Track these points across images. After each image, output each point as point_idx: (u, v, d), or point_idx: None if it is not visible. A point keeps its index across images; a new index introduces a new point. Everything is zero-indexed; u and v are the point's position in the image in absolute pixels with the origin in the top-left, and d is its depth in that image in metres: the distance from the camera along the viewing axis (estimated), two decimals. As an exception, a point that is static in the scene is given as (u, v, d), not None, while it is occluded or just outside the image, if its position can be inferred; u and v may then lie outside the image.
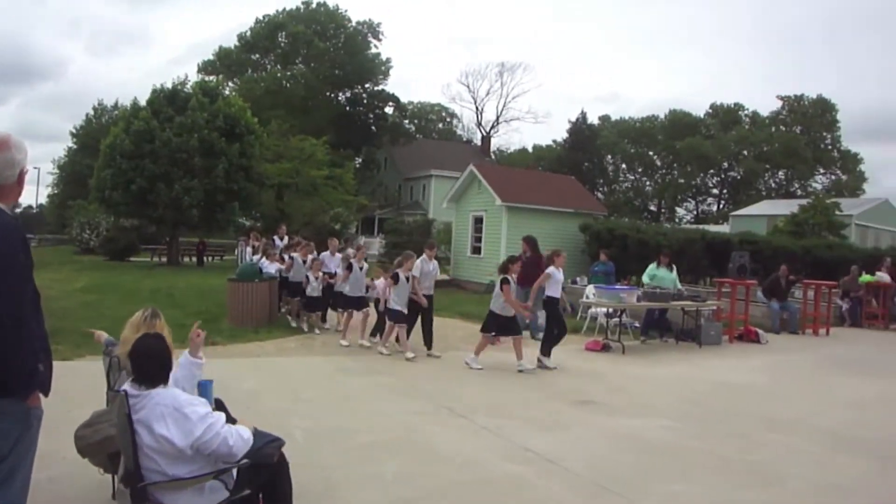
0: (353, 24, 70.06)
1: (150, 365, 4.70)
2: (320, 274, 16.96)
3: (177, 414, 4.58)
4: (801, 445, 9.23)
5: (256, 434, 5.19)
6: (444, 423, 9.28)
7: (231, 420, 5.27)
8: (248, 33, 68.92)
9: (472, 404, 10.38)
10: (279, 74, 67.50)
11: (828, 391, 12.90)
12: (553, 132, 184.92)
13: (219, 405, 5.88)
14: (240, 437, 4.78)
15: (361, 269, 16.06)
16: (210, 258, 43.46)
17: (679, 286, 19.15)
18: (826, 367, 15.55)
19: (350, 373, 12.46)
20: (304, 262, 17.79)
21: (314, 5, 69.22)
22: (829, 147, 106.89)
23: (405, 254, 14.99)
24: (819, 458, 8.65)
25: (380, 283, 15.52)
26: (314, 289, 16.72)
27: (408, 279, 14.37)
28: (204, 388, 5.72)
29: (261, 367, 12.60)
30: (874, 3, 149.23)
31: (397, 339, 14.75)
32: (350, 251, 17.71)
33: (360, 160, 72.88)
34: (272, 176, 42.79)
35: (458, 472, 7.37)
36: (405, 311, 14.42)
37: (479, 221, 29.89)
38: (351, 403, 10.14)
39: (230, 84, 64.90)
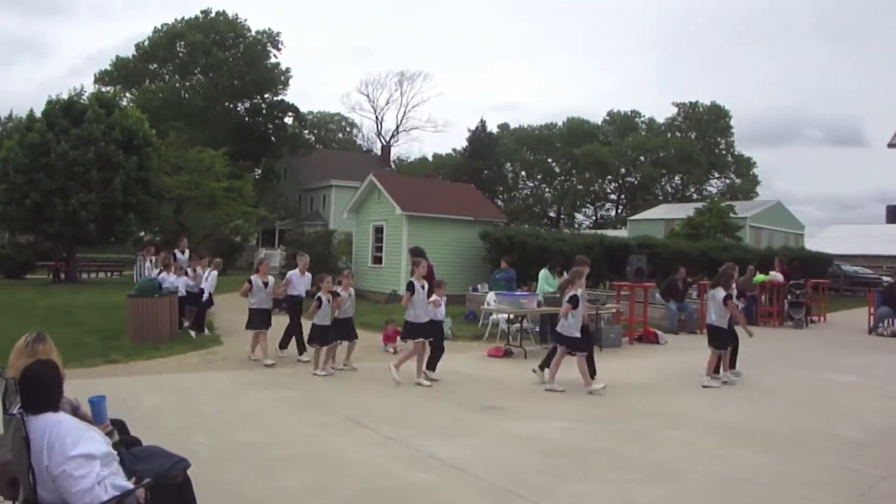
0: (253, 33, 69.13)
1: (37, 392, 4.59)
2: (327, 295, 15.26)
3: (57, 445, 4.43)
4: (700, 440, 9.50)
5: (161, 454, 5.15)
6: (349, 434, 9.27)
7: (133, 441, 5.22)
8: (146, 42, 67.39)
9: (376, 414, 10.39)
10: (178, 85, 66.36)
11: (725, 387, 13.16)
12: (453, 141, 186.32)
13: (119, 425, 5.79)
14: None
15: (350, 296, 15.03)
16: (109, 274, 42.81)
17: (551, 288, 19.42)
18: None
19: (253, 387, 12.36)
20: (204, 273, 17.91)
21: (213, 14, 68.04)
22: (724, 152, 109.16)
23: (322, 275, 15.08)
24: (718, 452, 8.90)
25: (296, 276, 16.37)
26: (325, 316, 14.14)
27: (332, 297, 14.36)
28: (96, 406, 5.56)
29: (162, 384, 12.38)
30: (764, 14, 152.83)
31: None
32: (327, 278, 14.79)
33: (260, 171, 72.26)
34: (171, 189, 42.29)
35: (365, 482, 7.37)
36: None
37: (379, 231, 29.93)
38: (255, 418, 10.07)
39: (128, 95, 63.71)
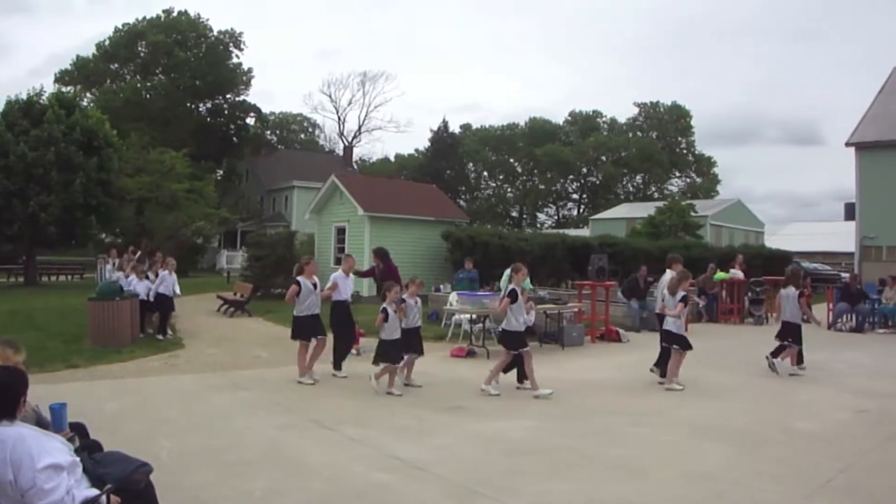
0: (215, 33, 68.71)
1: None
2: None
3: (25, 458, 4.33)
4: (663, 437, 9.59)
5: (123, 459, 5.13)
6: (312, 436, 9.27)
7: (93, 444, 5.20)
8: (108, 42, 66.65)
9: (339, 416, 10.39)
10: (139, 85, 65.76)
11: (687, 384, 13.25)
12: (415, 141, 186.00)
13: (80, 429, 5.76)
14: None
15: (416, 303, 13.58)
16: (69, 277, 42.50)
17: (531, 287, 19.51)
18: (685, 361, 16.02)
19: (215, 390, 12.31)
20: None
21: (175, 14, 67.46)
22: (684, 151, 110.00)
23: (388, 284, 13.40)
24: (681, 448, 9.02)
25: None
26: (393, 329, 12.59)
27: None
28: (57, 413, 5.50)
29: (124, 388, 12.31)
30: (723, 14, 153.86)
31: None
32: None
33: (222, 172, 71.91)
34: (132, 190, 42.06)
35: (328, 484, 7.37)
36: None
37: (341, 232, 29.90)
38: (217, 421, 10.02)
39: (88, 95, 63.16)
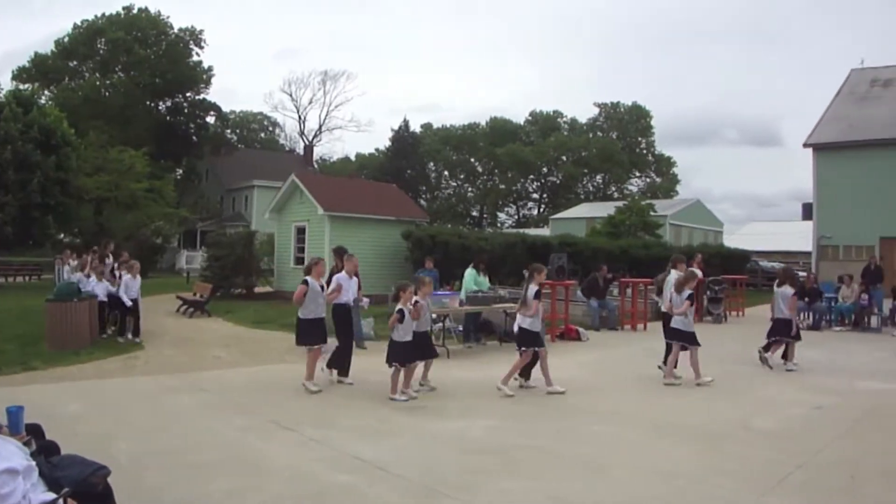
0: (175, 31, 67.65)
1: None
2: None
3: None
4: (623, 435, 9.66)
5: (80, 462, 5.10)
6: (272, 437, 9.24)
7: (50, 445, 5.17)
8: (66, 39, 65.57)
9: (299, 416, 10.36)
10: (98, 83, 64.88)
11: (647, 383, 13.35)
12: (376, 140, 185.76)
13: (35, 430, 5.72)
14: None
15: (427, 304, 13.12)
16: (27, 278, 42.12)
17: (489, 286, 19.58)
18: (644, 359, 16.08)
19: (174, 391, 12.19)
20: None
21: (135, 11, 66.40)
22: (644, 151, 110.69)
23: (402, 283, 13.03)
24: (641, 446, 9.10)
25: None
26: (407, 331, 12.12)
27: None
28: (13, 417, 5.45)
29: (83, 390, 12.19)
30: (683, 16, 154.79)
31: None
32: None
33: (181, 172, 71.40)
34: (90, 190, 41.63)
35: (288, 485, 7.35)
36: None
37: (301, 232, 29.79)
38: (177, 423, 9.95)
39: (46, 93, 62.29)
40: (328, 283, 13.70)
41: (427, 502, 7.01)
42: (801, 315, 23.95)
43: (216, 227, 56.77)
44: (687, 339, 13.68)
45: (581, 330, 20.24)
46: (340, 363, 13.45)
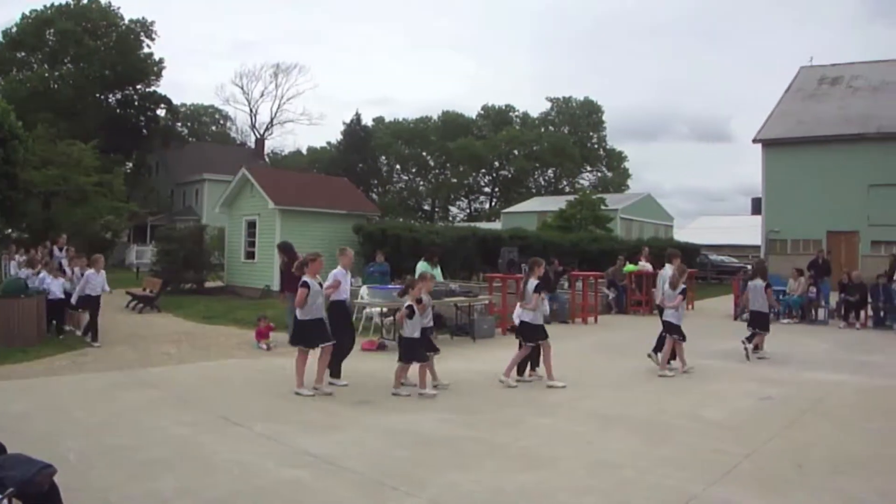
0: (126, 22, 66.53)
1: None
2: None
3: None
4: (572, 427, 9.73)
5: (26, 461, 5.04)
6: (221, 433, 9.18)
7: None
8: (14, 30, 64.22)
9: (248, 412, 10.30)
10: (46, 74, 63.74)
11: (596, 375, 13.44)
12: (328, 134, 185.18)
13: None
14: None
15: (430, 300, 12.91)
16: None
17: (443, 280, 19.59)
18: (595, 352, 16.21)
19: (123, 388, 12.04)
20: (83, 273, 17.30)
21: (85, 2, 64.96)
22: (596, 146, 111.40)
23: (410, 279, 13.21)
24: (589, 438, 9.16)
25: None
26: (415, 327, 12.01)
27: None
28: None
29: (29, 389, 11.99)
30: (635, 12, 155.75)
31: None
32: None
33: (131, 165, 70.56)
34: (39, 183, 41.04)
35: (237, 481, 7.31)
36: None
37: (252, 226, 29.55)
38: (125, 420, 9.83)
39: (-7, 84, 61.68)
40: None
41: (375, 496, 7.00)
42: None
43: (166, 221, 56.26)
44: (675, 332, 13.97)
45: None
46: (334, 364, 12.65)
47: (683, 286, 14.42)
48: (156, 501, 6.79)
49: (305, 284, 11.81)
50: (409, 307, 11.87)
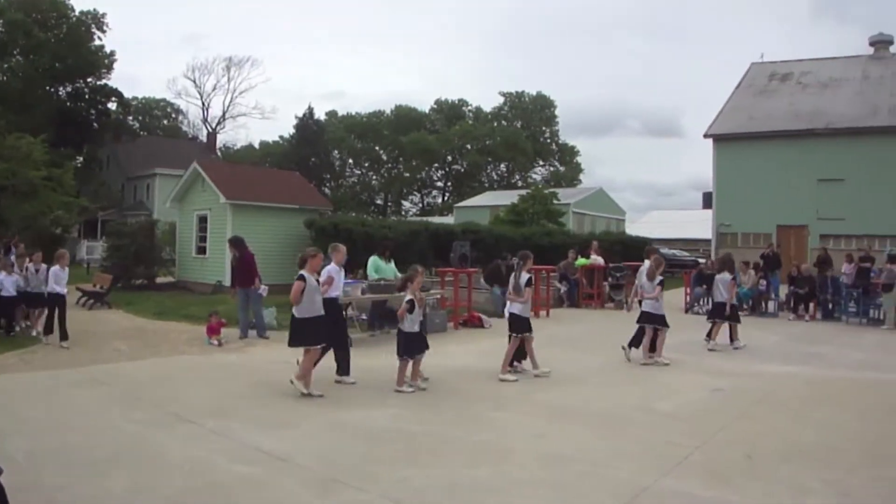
0: (77, 13, 65.34)
1: None
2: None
3: None
4: (525, 421, 9.76)
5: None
6: (172, 430, 9.10)
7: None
8: None
9: (200, 408, 10.22)
10: (-6, 67, 63.42)
11: (549, 368, 13.43)
12: (280, 128, 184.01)
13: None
14: None
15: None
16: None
17: (399, 275, 19.54)
18: (547, 345, 16.21)
19: (74, 386, 11.90)
20: (37, 270, 17.03)
21: None
22: (548, 140, 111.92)
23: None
24: (542, 431, 9.20)
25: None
26: (414, 321, 12.00)
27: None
28: None
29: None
30: (588, 8, 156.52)
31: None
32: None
33: (82, 159, 69.74)
34: (-15, 178, 40.66)
35: (188, 478, 7.26)
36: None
37: (203, 221, 29.29)
38: (75, 418, 9.70)
39: (-60, 77, 60.72)
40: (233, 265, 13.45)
41: (327, 492, 6.97)
42: (701, 301, 24.47)
43: (117, 216, 55.73)
44: (657, 322, 14.57)
45: (484, 317, 20.34)
46: (343, 361, 12.52)
47: (661, 277, 14.91)
48: (107, 500, 6.71)
49: (302, 278, 11.25)
50: (410, 301, 11.81)
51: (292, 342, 11.49)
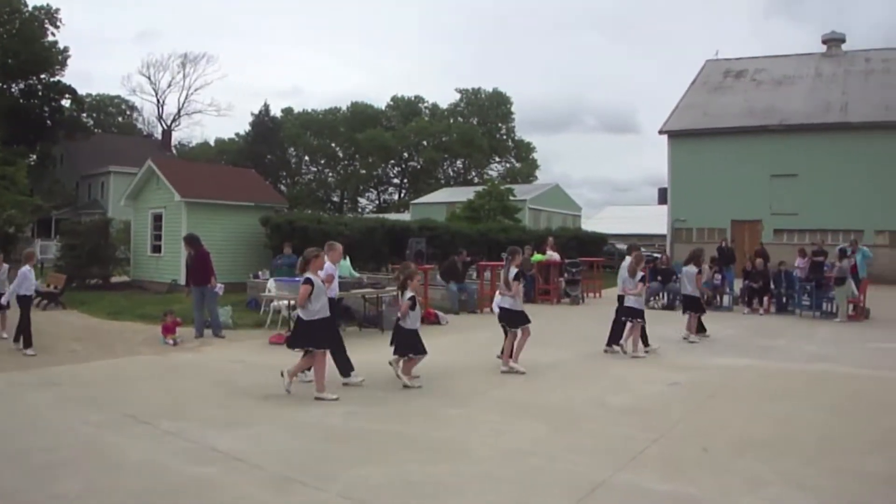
0: (30, 8, 64.34)
1: None
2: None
3: None
4: (481, 417, 9.77)
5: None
6: (127, 432, 9.00)
7: None
8: None
9: (155, 409, 10.12)
10: (-55, 63, 62.46)
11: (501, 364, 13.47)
12: (236, 125, 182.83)
13: None
14: None
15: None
16: None
17: (354, 273, 19.51)
18: (503, 341, 16.30)
19: (27, 388, 11.74)
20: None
21: None
22: (505, 137, 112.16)
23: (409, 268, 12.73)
24: (499, 427, 9.21)
25: None
26: (416, 318, 12.09)
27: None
28: None
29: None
30: (544, 5, 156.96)
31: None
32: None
33: (35, 157, 69.07)
34: (-63, 177, 40.21)
35: (144, 481, 7.18)
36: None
37: (158, 219, 29.02)
38: (29, 421, 9.58)
39: None
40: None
41: (284, 491, 6.95)
42: (657, 295, 24.64)
43: (71, 215, 55.28)
44: (638, 316, 15.11)
45: (440, 314, 20.33)
46: (341, 363, 12.14)
47: (642, 273, 15.67)
48: (61, 504, 6.63)
49: (309, 281, 10.90)
50: (412, 298, 11.85)
51: (296, 344, 11.23)
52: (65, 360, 14.29)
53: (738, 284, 25.46)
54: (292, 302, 16.82)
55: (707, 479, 7.24)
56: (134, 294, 26.18)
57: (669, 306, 24.08)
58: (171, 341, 16.00)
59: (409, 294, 11.91)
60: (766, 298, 23.74)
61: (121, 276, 31.02)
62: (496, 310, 13.74)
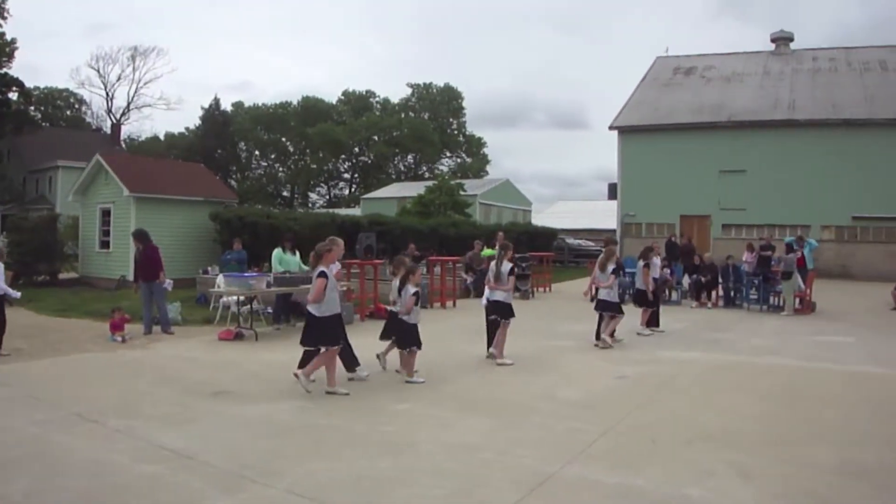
0: None
1: None
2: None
3: None
4: (429, 412, 9.82)
5: None
6: (74, 431, 8.90)
7: None
8: None
9: (103, 407, 10.00)
10: None
11: (456, 358, 13.55)
12: (186, 119, 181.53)
13: None
14: None
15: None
16: None
17: (304, 268, 19.45)
18: (454, 335, 16.35)
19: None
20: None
21: None
22: (456, 132, 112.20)
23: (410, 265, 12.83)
24: (447, 422, 9.26)
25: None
26: (418, 312, 12.33)
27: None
28: None
29: None
30: (496, 1, 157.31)
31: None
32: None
33: (-20, 152, 68.31)
34: None
35: (92, 480, 7.12)
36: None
37: (107, 214, 28.82)
38: (-27, 420, 9.45)
39: None
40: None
41: (233, 488, 6.92)
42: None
43: (18, 210, 54.61)
44: (612, 309, 15.58)
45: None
46: (347, 357, 12.05)
47: (613, 266, 15.86)
48: (6, 505, 6.56)
49: (323, 275, 10.71)
50: (416, 293, 12.11)
51: (309, 342, 10.97)
52: (10, 358, 14.02)
53: (686, 279, 25.71)
54: (242, 297, 16.78)
55: (655, 470, 7.33)
56: (82, 290, 25.97)
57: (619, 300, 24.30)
58: (119, 338, 15.81)
59: (412, 289, 12.07)
60: (714, 292, 24.06)
61: (69, 273, 30.73)
62: (485, 303, 13.96)
